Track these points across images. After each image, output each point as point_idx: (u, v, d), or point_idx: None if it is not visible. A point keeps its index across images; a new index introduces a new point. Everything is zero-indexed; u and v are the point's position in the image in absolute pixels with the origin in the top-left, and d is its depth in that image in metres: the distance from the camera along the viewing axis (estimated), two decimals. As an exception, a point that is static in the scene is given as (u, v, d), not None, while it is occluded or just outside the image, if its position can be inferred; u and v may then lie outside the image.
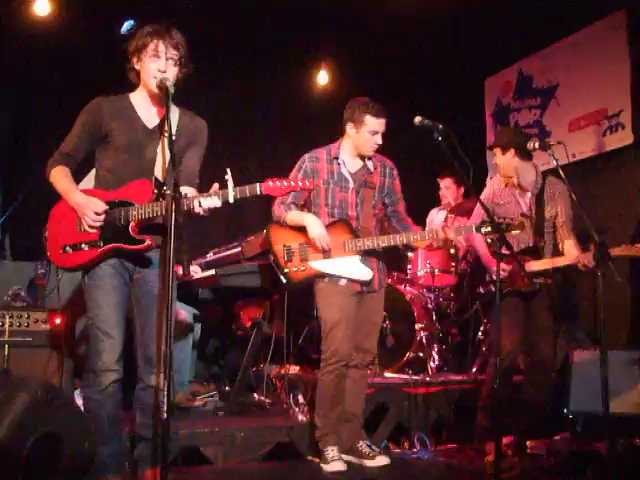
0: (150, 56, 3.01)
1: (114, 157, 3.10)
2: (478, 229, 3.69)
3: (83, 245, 3.02)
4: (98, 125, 3.08)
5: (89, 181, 3.26)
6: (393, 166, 4.09)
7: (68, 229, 3.06)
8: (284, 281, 3.80)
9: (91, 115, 3.10)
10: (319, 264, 3.80)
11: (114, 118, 3.09)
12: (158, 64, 3.01)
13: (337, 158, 3.93)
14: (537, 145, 4.03)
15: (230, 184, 2.88)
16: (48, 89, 5.71)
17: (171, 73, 3.03)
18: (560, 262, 4.11)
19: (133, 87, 3.18)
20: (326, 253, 3.79)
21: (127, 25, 5.37)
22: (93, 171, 3.21)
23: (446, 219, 5.92)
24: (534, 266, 4.10)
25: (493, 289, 4.07)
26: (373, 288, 3.91)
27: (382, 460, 3.87)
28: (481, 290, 4.23)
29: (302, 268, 3.80)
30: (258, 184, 2.93)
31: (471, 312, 5.57)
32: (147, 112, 3.15)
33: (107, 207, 3.00)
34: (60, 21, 5.64)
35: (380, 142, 3.87)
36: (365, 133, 3.85)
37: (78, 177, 3.22)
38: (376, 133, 3.84)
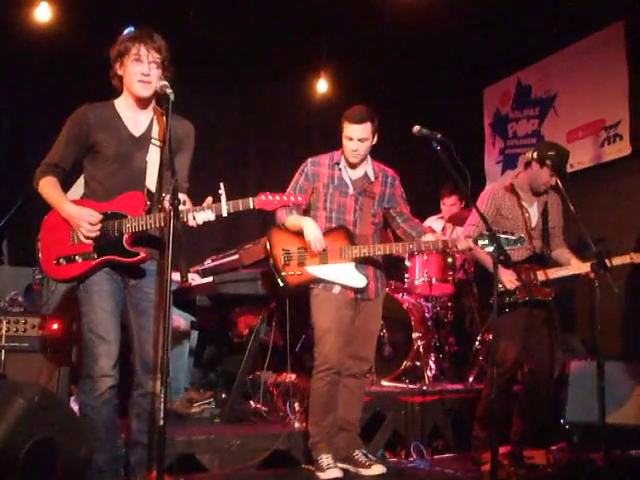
0: (132, 60, 3.02)
1: (103, 168, 3.09)
2: (475, 242, 3.67)
3: (77, 257, 3.02)
4: (85, 136, 3.07)
5: (77, 189, 3.25)
6: (395, 176, 4.06)
7: (61, 241, 3.04)
8: (281, 284, 3.81)
9: (78, 125, 3.08)
10: (315, 269, 3.80)
11: (101, 128, 3.07)
12: (141, 67, 3.02)
13: (338, 164, 3.93)
14: (534, 155, 4.04)
15: (223, 198, 2.90)
16: (47, 95, 5.72)
17: (154, 76, 3.03)
18: (575, 270, 4.04)
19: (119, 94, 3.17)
20: (322, 259, 3.79)
21: (128, 32, 5.38)
22: (81, 179, 3.19)
23: (444, 229, 5.92)
24: (549, 274, 4.06)
25: (507, 300, 4.01)
26: (368, 296, 3.90)
27: (378, 469, 3.87)
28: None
29: (298, 272, 3.80)
30: (251, 198, 2.97)
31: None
32: (133, 120, 3.14)
33: (101, 217, 2.99)
34: (61, 27, 5.66)
35: (354, 148, 3.80)
36: (344, 139, 3.85)
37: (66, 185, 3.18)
38: (350, 139, 3.81)
